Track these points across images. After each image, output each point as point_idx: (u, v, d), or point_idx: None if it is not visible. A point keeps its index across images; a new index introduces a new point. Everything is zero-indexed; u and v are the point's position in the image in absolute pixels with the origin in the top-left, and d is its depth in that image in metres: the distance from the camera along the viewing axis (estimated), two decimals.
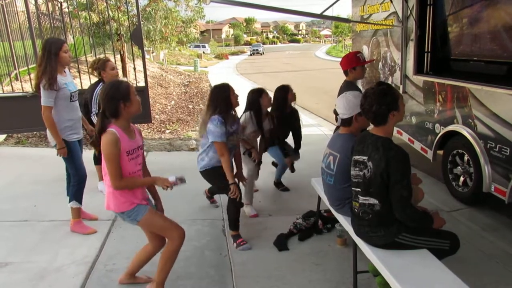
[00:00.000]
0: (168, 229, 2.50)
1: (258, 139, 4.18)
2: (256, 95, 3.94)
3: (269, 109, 4.14)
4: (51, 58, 3.17)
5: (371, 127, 2.37)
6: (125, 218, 2.44)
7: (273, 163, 4.84)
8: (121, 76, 8.33)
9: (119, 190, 2.34)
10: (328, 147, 2.83)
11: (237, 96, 3.31)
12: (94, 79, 4.24)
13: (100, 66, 3.94)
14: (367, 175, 2.25)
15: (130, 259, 3.03)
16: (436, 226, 2.37)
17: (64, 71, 3.38)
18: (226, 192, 3.24)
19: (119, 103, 2.28)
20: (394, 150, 2.18)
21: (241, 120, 3.78)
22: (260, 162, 4.04)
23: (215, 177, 3.37)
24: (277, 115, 4.26)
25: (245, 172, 3.81)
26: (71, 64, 4.63)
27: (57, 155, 3.35)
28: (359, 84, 6.71)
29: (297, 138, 4.56)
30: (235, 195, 3.18)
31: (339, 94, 3.38)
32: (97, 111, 3.79)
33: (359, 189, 2.34)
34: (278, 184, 4.65)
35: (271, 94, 4.29)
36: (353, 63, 3.64)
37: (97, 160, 4.20)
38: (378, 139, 2.25)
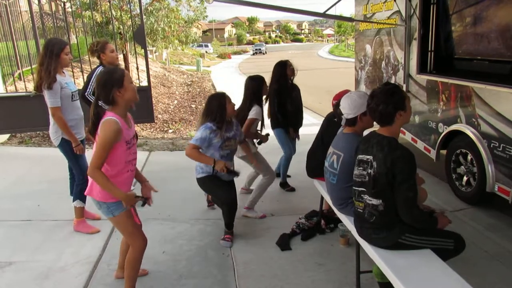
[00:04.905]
0: (133, 237, 2.48)
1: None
2: (259, 83, 3.89)
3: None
4: (52, 58, 3.19)
5: (376, 127, 2.36)
6: (102, 208, 2.39)
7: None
8: None
9: (90, 176, 2.27)
10: (332, 146, 2.82)
11: (233, 105, 3.32)
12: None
13: (99, 49, 3.82)
14: (372, 175, 2.23)
15: None
16: (441, 226, 2.36)
17: (63, 72, 3.40)
18: (220, 202, 3.38)
19: (112, 89, 2.24)
20: (400, 150, 2.16)
21: (251, 115, 3.77)
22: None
23: (214, 184, 3.37)
24: (276, 89, 4.30)
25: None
26: (74, 64, 4.59)
27: (76, 152, 3.34)
28: (362, 84, 6.71)
29: (298, 114, 4.60)
30: (221, 167, 3.10)
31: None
32: (92, 91, 3.62)
33: (363, 189, 2.32)
34: (284, 184, 4.65)
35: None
36: None
37: None
38: (384, 138, 2.23)
